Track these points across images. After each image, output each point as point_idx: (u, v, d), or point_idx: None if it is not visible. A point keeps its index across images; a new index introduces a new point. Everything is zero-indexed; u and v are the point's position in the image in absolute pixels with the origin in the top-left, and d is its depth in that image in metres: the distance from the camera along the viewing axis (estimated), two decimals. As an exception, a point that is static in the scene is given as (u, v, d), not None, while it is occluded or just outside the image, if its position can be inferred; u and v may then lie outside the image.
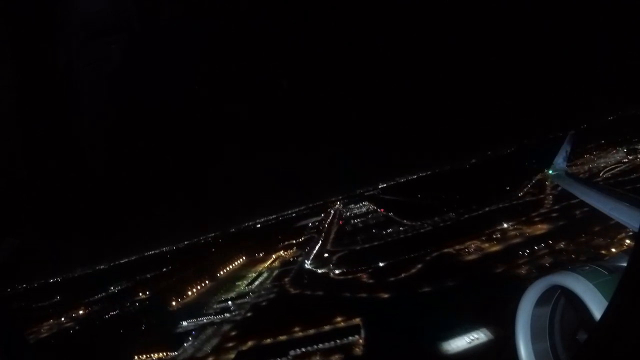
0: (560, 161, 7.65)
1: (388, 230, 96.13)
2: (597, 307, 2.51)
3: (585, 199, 5.90)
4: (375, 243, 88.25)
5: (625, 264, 2.50)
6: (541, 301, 3.07)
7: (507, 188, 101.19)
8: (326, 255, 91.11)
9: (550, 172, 7.61)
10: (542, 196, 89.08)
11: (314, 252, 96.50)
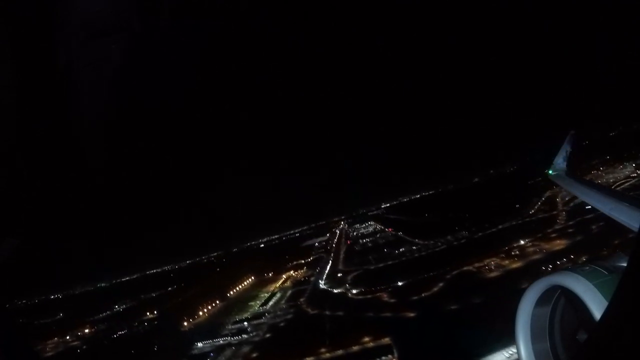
0: (560, 161, 7.65)
1: (400, 250, 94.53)
2: (597, 307, 2.51)
3: (585, 199, 5.90)
4: (390, 262, 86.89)
5: (625, 264, 2.51)
6: (541, 301, 3.07)
7: (517, 205, 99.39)
8: (340, 275, 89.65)
9: (550, 172, 7.61)
10: (554, 212, 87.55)
11: (326, 271, 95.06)
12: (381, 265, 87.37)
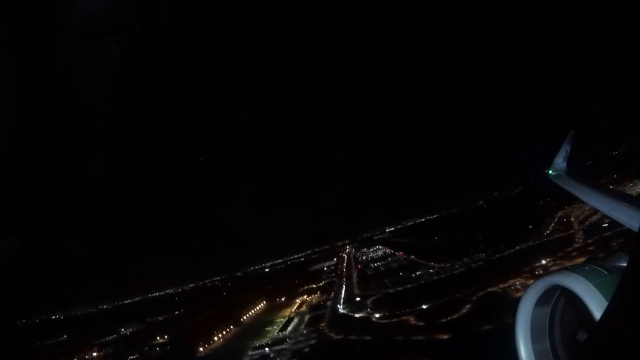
0: (560, 161, 7.65)
1: (417, 273, 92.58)
2: (597, 307, 2.51)
3: (585, 199, 5.90)
4: (409, 286, 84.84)
5: (625, 264, 2.51)
6: (541, 301, 3.07)
7: (530, 226, 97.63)
8: (358, 299, 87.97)
9: (550, 172, 7.61)
10: (571, 232, 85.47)
11: (342, 296, 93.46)
12: (400, 288, 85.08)
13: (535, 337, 3.07)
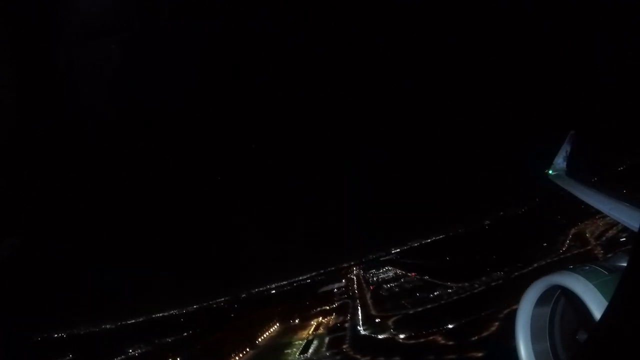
0: (560, 161, 7.65)
1: (435, 293, 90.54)
2: (597, 307, 2.52)
3: (585, 199, 5.90)
4: (429, 306, 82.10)
5: (625, 264, 2.51)
6: (541, 301, 3.07)
7: (545, 244, 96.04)
8: (378, 320, 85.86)
9: (550, 172, 7.61)
10: (588, 247, 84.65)
11: (360, 317, 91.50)
12: (420, 309, 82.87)
13: (535, 337, 3.07)
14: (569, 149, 7.79)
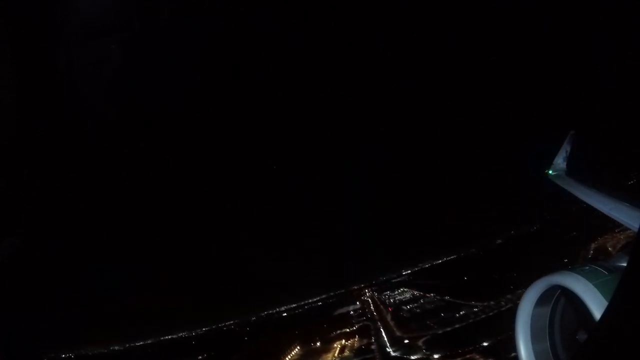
0: (560, 161, 7.64)
1: (461, 313, 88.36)
2: (597, 307, 2.51)
3: (585, 199, 5.90)
4: (457, 325, 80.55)
5: (625, 264, 2.51)
6: (541, 301, 3.07)
7: (565, 260, 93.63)
8: (406, 341, 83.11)
9: (550, 172, 7.60)
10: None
11: (386, 338, 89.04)
12: (449, 329, 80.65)
13: (535, 337, 3.07)
14: (569, 149, 7.79)
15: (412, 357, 76.35)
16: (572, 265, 3.01)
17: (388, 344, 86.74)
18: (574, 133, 8.12)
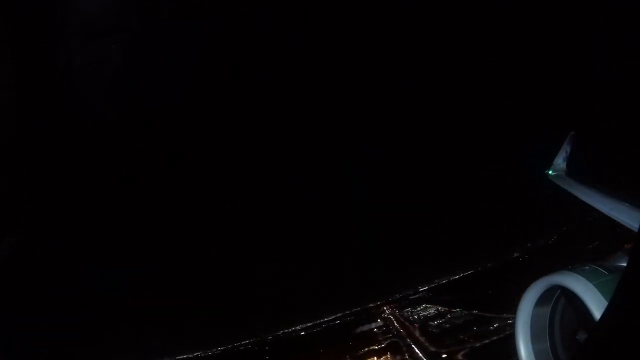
0: (560, 161, 7.64)
1: (495, 325, 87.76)
2: (597, 307, 2.52)
3: (585, 199, 5.90)
4: (494, 338, 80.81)
5: (625, 264, 2.51)
6: (541, 301, 3.07)
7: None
8: (444, 355, 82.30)
9: (550, 172, 7.60)
10: None
11: (420, 354, 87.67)
12: (487, 341, 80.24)
13: (535, 337, 3.07)
14: (569, 149, 7.79)
15: (457, 372, 75.97)
16: (572, 265, 3.01)
17: (424, 359, 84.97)
18: (574, 133, 8.11)
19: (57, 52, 6.26)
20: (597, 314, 2.49)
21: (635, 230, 4.03)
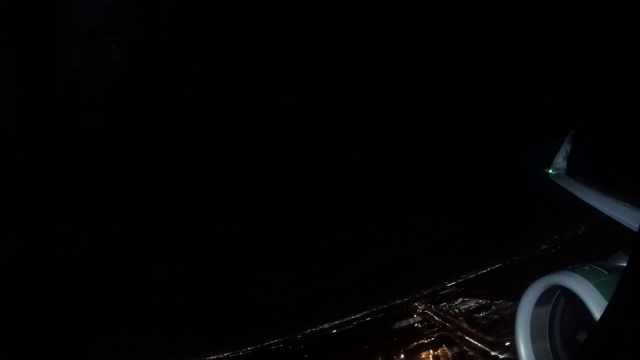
0: (560, 161, 7.64)
1: None
2: (597, 307, 2.52)
3: (585, 199, 5.90)
4: None
5: (625, 264, 2.51)
6: (541, 301, 3.07)
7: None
8: (507, 343, 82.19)
9: (550, 172, 7.60)
10: None
11: (478, 344, 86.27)
12: None
13: (535, 337, 3.07)
14: (569, 148, 7.78)
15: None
16: (572, 265, 3.01)
17: (487, 348, 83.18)
18: (574, 132, 8.11)
19: (58, 52, 6.26)
20: (597, 314, 2.49)
21: (635, 230, 4.03)
